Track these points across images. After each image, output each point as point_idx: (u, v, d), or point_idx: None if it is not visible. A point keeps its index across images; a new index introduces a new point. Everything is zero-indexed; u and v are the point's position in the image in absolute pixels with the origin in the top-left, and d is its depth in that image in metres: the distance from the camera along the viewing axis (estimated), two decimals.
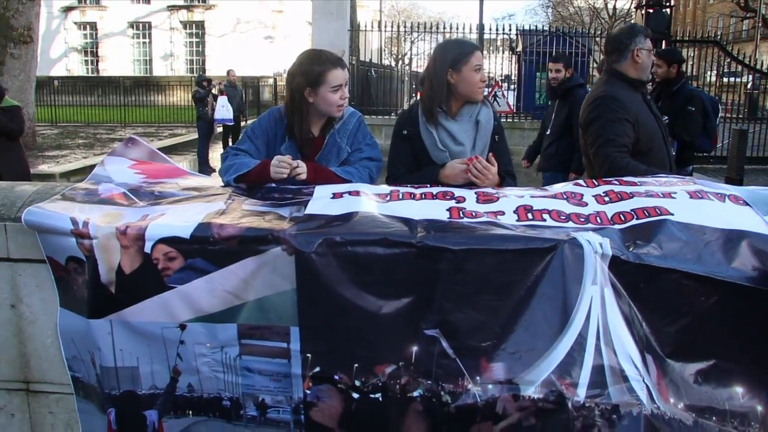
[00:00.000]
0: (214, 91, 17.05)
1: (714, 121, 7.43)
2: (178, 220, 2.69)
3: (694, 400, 2.50)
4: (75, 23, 45.32)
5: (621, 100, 3.98)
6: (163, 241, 2.59)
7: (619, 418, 2.46)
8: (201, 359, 2.67)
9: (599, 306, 2.47)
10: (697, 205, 2.76)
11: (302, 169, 3.20)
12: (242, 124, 17.33)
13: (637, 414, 2.45)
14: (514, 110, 17.77)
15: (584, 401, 2.44)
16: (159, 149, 3.70)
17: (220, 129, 18.08)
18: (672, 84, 7.06)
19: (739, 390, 2.52)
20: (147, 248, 2.60)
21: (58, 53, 44.45)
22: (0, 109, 7.35)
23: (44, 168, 14.23)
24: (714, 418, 2.51)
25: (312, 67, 3.36)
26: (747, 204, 2.77)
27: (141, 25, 45.04)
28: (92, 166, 3.74)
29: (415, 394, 2.53)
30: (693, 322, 2.51)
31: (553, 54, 16.97)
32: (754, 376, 2.52)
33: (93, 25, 45.36)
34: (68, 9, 44.90)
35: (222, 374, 2.67)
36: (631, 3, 27.85)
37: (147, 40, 45.21)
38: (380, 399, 2.55)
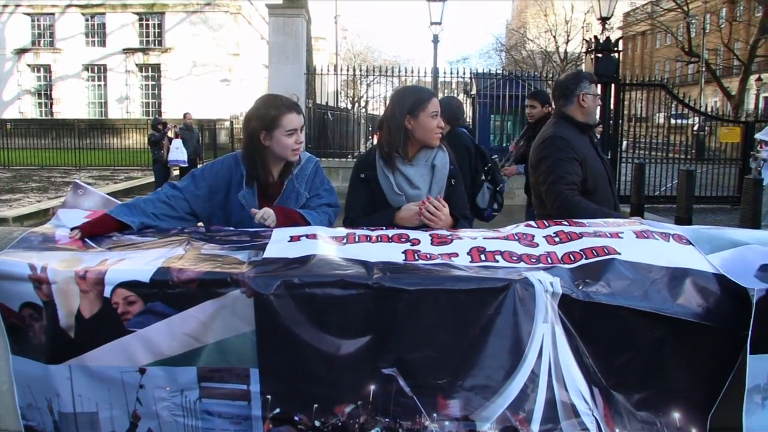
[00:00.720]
0: (170, 134, 17.02)
1: None
2: (137, 264, 2.71)
3: (635, 428, 2.62)
4: (29, 65, 44.81)
5: (569, 141, 4.12)
6: (123, 285, 2.60)
7: None
8: (161, 403, 2.65)
9: (550, 343, 2.56)
10: (643, 244, 2.89)
11: (271, 218, 3.26)
12: (198, 165, 17.30)
13: None
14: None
15: None
16: (115, 192, 3.72)
17: (176, 171, 18.00)
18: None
19: (676, 415, 2.66)
20: (107, 292, 2.60)
21: (11, 95, 43.90)
22: None
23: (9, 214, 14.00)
24: None
25: (267, 111, 3.41)
26: (690, 243, 2.91)
27: (96, 67, 44.69)
28: (46, 210, 3.72)
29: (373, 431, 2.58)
30: (637, 355, 2.64)
31: (506, 96, 17.34)
32: (691, 402, 2.67)
33: (47, 68, 44.89)
34: (22, 51, 44.42)
35: (182, 418, 2.66)
36: (582, 48, 28.45)
37: (102, 83, 44.86)
38: None
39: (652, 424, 2.64)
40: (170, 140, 17.05)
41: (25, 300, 2.68)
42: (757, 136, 12.18)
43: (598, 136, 4.66)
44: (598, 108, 4.38)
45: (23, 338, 2.73)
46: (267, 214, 3.26)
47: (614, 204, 4.17)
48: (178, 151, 17.03)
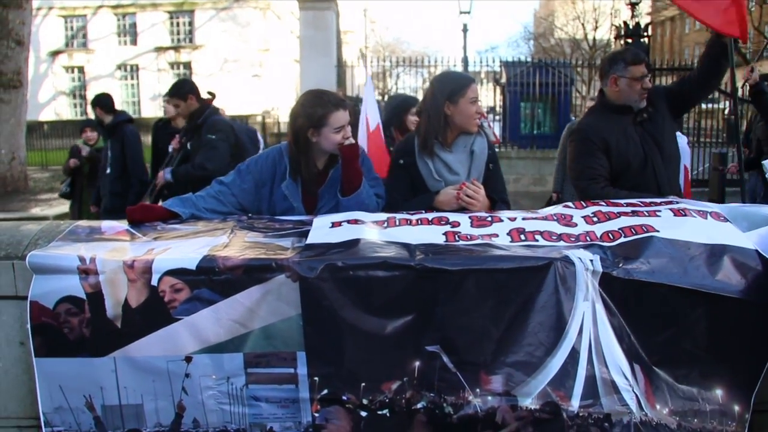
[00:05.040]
0: None
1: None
2: (183, 252, 2.76)
3: (677, 404, 2.66)
4: (63, 67, 45.34)
5: (587, 132, 4.06)
6: (170, 273, 2.65)
7: (610, 426, 2.59)
8: (207, 392, 2.70)
9: (591, 321, 2.60)
10: (681, 222, 2.91)
11: None
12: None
13: (627, 422, 2.59)
14: (500, 140, 17.88)
15: (578, 411, 2.58)
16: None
17: None
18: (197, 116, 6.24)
19: (718, 392, 2.68)
20: (154, 281, 2.65)
21: (47, 97, 44.37)
22: None
23: (37, 211, 14.18)
24: (695, 420, 2.66)
25: (315, 110, 3.42)
26: (727, 220, 2.91)
27: (128, 67, 45.10)
28: None
29: (419, 406, 2.63)
30: (678, 332, 2.67)
31: (536, 83, 17.19)
32: (732, 379, 2.69)
33: (81, 69, 45.39)
34: (56, 53, 44.94)
35: (228, 406, 2.71)
36: (611, 34, 28.12)
37: (135, 82, 45.28)
38: (387, 414, 2.63)
39: (694, 400, 2.67)
40: None
41: (64, 295, 2.70)
42: None
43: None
44: (641, 90, 4.08)
45: (55, 337, 2.72)
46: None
47: (657, 186, 3.98)
48: None
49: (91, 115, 7.69)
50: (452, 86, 3.63)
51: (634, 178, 3.96)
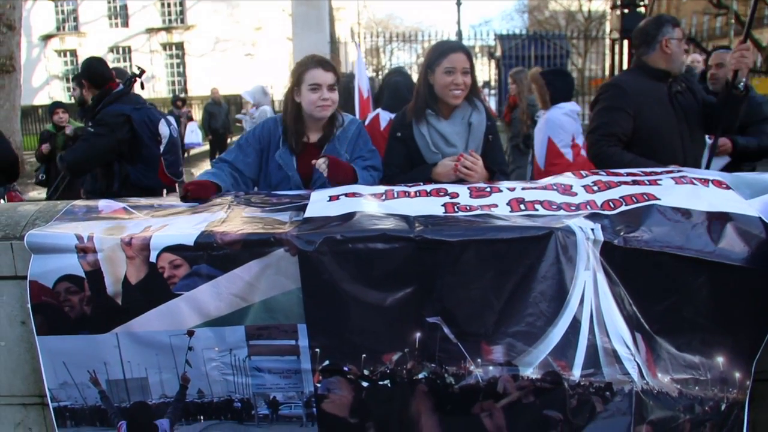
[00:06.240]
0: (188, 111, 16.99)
1: None
2: (181, 229, 2.76)
3: (679, 372, 2.66)
4: (55, 51, 45.02)
5: (626, 90, 4.03)
6: (168, 249, 2.66)
7: (612, 394, 2.61)
8: (210, 363, 2.73)
9: (592, 290, 2.59)
10: (682, 189, 2.89)
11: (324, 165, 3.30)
12: (228, 141, 17.33)
13: (628, 390, 2.60)
14: (497, 114, 17.86)
15: (579, 380, 2.59)
16: None
17: (194, 151, 18.10)
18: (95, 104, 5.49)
19: (720, 360, 2.68)
20: (152, 257, 2.66)
21: (40, 81, 44.09)
22: None
23: (34, 194, 14.19)
24: (697, 388, 2.67)
25: (297, 68, 3.50)
26: (729, 188, 2.89)
27: (121, 49, 44.76)
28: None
29: (421, 376, 2.64)
30: (680, 300, 2.66)
31: (531, 56, 17.13)
32: (733, 347, 2.69)
33: (73, 52, 44.99)
34: (47, 37, 44.59)
35: (231, 376, 2.74)
36: (607, 4, 28.02)
37: (127, 64, 44.86)
38: (388, 385, 2.65)
39: (696, 369, 2.67)
40: (188, 119, 17.06)
41: (63, 273, 2.71)
42: None
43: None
44: (684, 52, 4.06)
45: (56, 316, 2.75)
46: (324, 162, 3.29)
47: (683, 158, 3.96)
48: (193, 134, 17.07)
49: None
50: (432, 55, 3.62)
51: (661, 146, 3.95)
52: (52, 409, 2.84)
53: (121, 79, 5.42)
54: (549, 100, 6.20)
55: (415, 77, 5.19)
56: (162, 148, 5.23)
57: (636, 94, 3.99)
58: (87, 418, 2.84)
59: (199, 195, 3.22)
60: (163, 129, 5.24)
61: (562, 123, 5.99)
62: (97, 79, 5.28)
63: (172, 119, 5.61)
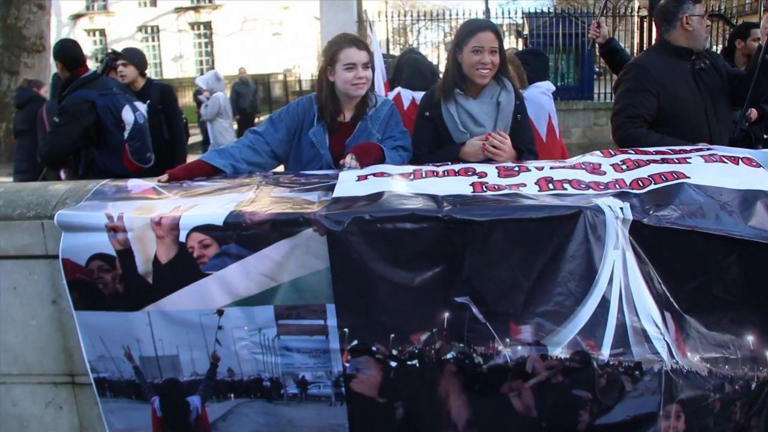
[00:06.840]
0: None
1: None
2: (210, 209, 2.78)
3: (709, 352, 2.64)
4: (84, 30, 45.31)
5: (649, 69, 3.98)
6: (198, 229, 2.67)
7: (641, 374, 2.60)
8: (240, 343, 2.75)
9: (621, 269, 2.58)
10: (712, 168, 2.86)
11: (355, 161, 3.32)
12: (255, 120, 17.35)
13: (658, 370, 2.59)
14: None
15: (608, 359, 2.58)
16: None
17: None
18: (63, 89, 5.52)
19: (750, 338, 2.66)
20: (182, 237, 2.68)
21: None
22: None
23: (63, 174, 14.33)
24: (726, 366, 2.64)
25: (330, 47, 3.49)
26: (760, 165, 2.86)
27: (149, 28, 45.03)
28: None
29: (449, 356, 2.65)
30: (709, 279, 2.63)
31: (559, 34, 16.92)
32: (763, 325, 2.66)
33: (102, 32, 45.37)
34: (77, 16, 44.94)
35: (261, 356, 2.76)
36: None
37: (156, 43, 45.23)
38: (417, 365, 2.66)
39: (725, 347, 2.65)
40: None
41: (96, 251, 2.74)
42: None
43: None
44: (707, 28, 3.98)
45: (90, 292, 2.79)
46: (352, 158, 3.31)
47: (708, 136, 3.89)
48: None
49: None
50: (460, 33, 3.59)
51: (687, 125, 3.91)
52: (93, 380, 2.89)
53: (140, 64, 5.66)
54: (526, 79, 6.19)
55: (443, 56, 5.18)
56: (126, 135, 5.26)
57: (659, 73, 3.95)
58: (124, 390, 2.89)
59: (186, 177, 3.31)
60: (127, 115, 5.25)
61: (542, 102, 5.97)
62: (69, 62, 5.34)
63: (139, 105, 5.59)
